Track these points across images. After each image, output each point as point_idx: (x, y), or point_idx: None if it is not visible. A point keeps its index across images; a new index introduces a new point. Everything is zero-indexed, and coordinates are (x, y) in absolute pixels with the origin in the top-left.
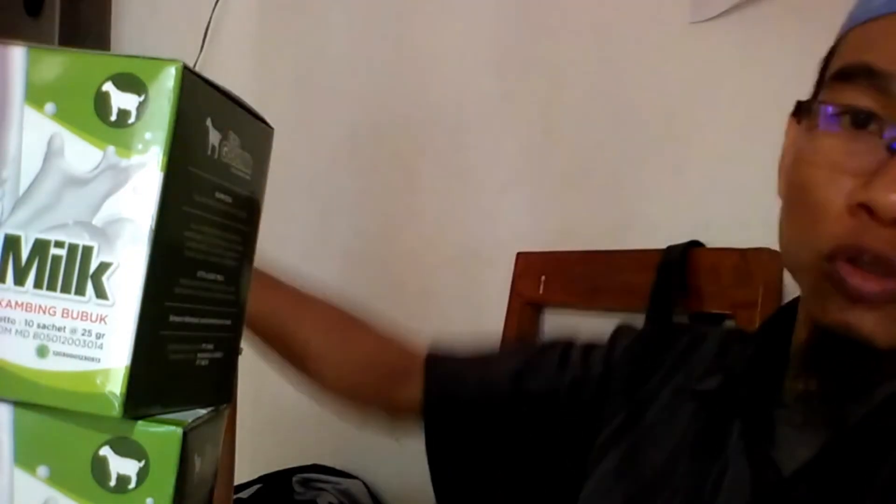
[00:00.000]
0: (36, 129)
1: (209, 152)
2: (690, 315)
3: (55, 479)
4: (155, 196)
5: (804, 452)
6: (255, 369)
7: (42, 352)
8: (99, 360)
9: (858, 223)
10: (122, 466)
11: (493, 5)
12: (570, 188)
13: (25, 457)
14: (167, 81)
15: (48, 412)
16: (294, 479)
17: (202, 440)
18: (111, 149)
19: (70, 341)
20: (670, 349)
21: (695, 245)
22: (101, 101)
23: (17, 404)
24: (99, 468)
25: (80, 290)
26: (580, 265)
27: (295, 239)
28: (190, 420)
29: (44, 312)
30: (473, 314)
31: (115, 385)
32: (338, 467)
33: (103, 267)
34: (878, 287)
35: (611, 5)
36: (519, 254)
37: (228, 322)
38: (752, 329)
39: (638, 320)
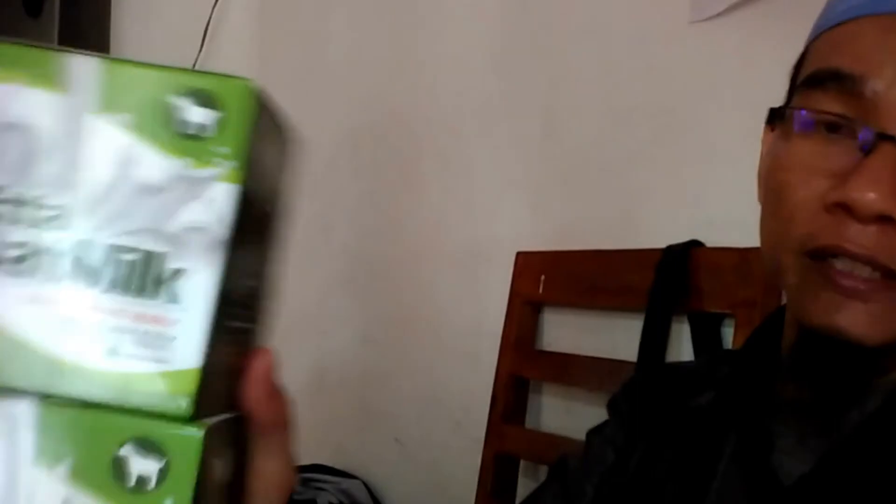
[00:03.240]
0: (107, 137)
1: (261, 162)
2: (690, 315)
3: (75, 478)
4: (229, 207)
5: (804, 462)
6: None
7: (112, 352)
8: (170, 362)
9: (836, 222)
10: (143, 466)
11: (493, 6)
12: (571, 188)
13: (46, 454)
14: (245, 100)
15: (72, 409)
16: None
17: (222, 443)
18: (186, 160)
19: (141, 343)
20: (662, 386)
21: (695, 245)
22: (177, 114)
23: (42, 401)
24: (119, 468)
25: (153, 294)
26: (580, 265)
27: (295, 239)
28: (211, 422)
29: (115, 315)
30: (473, 314)
31: (186, 386)
32: (338, 467)
33: (176, 272)
34: (864, 284)
35: (611, 5)
36: (519, 253)
37: (255, 326)
38: (741, 345)
39: (638, 320)
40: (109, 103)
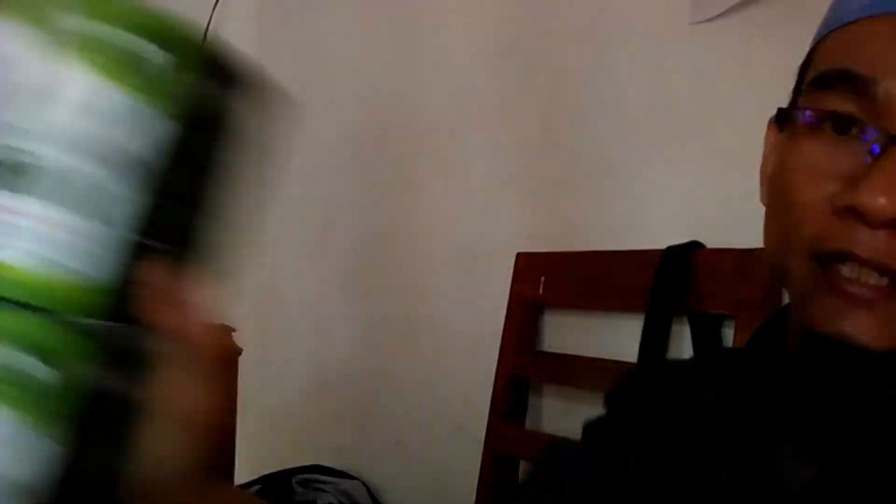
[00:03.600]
0: (76, 70)
1: (215, 107)
2: (691, 316)
3: None
4: (170, 141)
5: (808, 469)
6: (255, 370)
7: (42, 259)
8: (90, 274)
9: (846, 226)
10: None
11: (493, 6)
12: (570, 188)
13: None
14: (199, 48)
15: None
16: (294, 479)
17: (127, 355)
18: (139, 96)
19: (68, 254)
20: (661, 385)
21: (695, 245)
22: (137, 54)
23: None
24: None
25: (87, 214)
26: (580, 265)
27: (295, 239)
28: (110, 329)
29: (51, 226)
30: (473, 314)
31: (99, 298)
32: (338, 468)
33: (111, 196)
34: (870, 291)
35: (611, 5)
36: (519, 254)
37: (192, 256)
38: (741, 345)
39: (638, 320)
40: (82, 40)
